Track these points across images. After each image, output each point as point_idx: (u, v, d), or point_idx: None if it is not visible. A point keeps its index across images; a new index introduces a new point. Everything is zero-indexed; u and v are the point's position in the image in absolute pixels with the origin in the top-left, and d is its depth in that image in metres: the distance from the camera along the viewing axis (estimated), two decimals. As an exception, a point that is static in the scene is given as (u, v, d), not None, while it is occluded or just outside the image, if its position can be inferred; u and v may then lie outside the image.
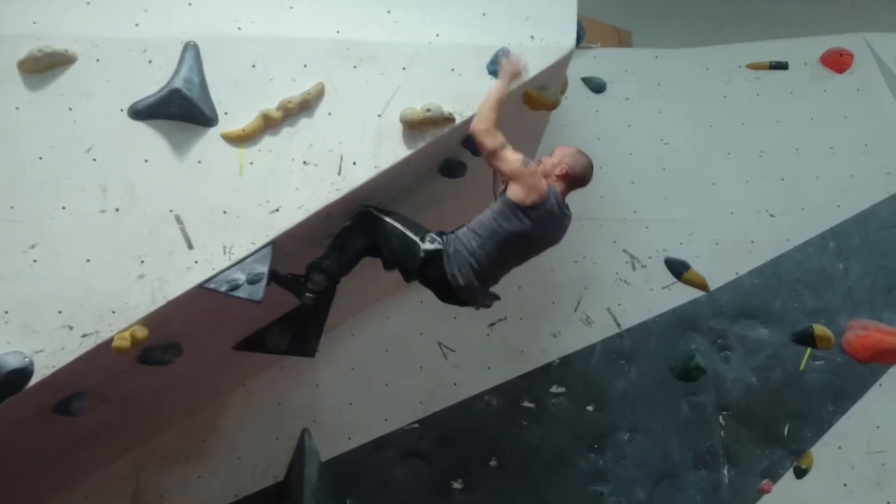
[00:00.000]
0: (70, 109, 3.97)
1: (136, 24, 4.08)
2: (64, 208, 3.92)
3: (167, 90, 3.94)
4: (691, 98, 6.63)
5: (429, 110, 4.03)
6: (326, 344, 5.79)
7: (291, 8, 4.19)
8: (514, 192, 3.96)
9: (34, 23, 4.01)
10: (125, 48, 4.03)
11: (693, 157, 6.50)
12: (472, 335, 6.10)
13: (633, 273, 6.28)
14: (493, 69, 4.15)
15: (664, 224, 6.36)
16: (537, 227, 4.04)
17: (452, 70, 4.16)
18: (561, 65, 4.28)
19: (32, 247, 3.87)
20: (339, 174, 4.05)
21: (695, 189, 6.43)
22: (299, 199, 4.01)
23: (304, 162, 4.05)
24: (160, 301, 3.89)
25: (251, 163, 4.02)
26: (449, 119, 4.09)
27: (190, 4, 4.14)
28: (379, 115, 4.11)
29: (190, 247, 3.94)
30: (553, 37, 4.21)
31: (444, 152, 4.38)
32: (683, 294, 6.26)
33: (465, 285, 4.07)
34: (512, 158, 3.92)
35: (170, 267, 3.92)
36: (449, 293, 4.24)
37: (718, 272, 6.25)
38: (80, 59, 4.00)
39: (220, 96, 4.06)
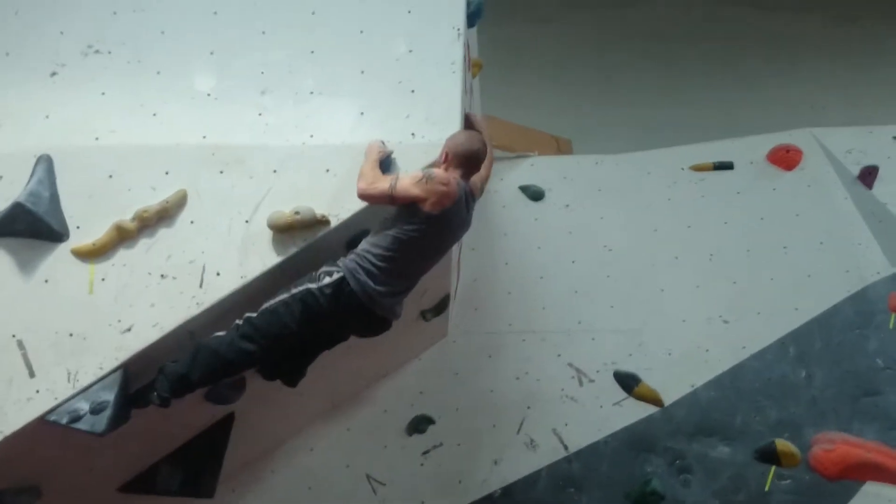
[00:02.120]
0: (-88, 230, 3.67)
1: (-12, 140, 3.83)
2: None
3: (10, 206, 3.65)
4: (634, 202, 6.34)
5: (297, 213, 3.72)
6: (242, 482, 5.31)
7: (155, 115, 3.96)
8: (429, 207, 3.63)
9: None
10: (-26, 165, 3.77)
11: (639, 263, 6.13)
12: (405, 465, 5.57)
13: (580, 389, 5.79)
14: (370, 168, 3.83)
15: (611, 335, 5.92)
16: (446, 229, 3.79)
17: (328, 171, 3.89)
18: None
19: None
20: (200, 287, 3.68)
21: (642, 296, 6.02)
22: (155, 317, 3.65)
23: (162, 275, 3.71)
24: (-3, 437, 3.46)
25: (102, 279, 3.69)
26: (322, 221, 3.77)
27: (47, 117, 3.92)
28: (247, 221, 3.79)
29: (31, 374, 3.57)
30: (434, 133, 3.94)
31: (326, 256, 4.01)
32: (636, 410, 5.72)
33: (384, 294, 3.71)
34: (414, 187, 3.60)
35: (9, 398, 3.56)
36: (368, 319, 3.80)
37: (672, 385, 5.74)
38: (-74, 177, 3.73)
39: (73, 210, 3.79)
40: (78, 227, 3.76)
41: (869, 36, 8.41)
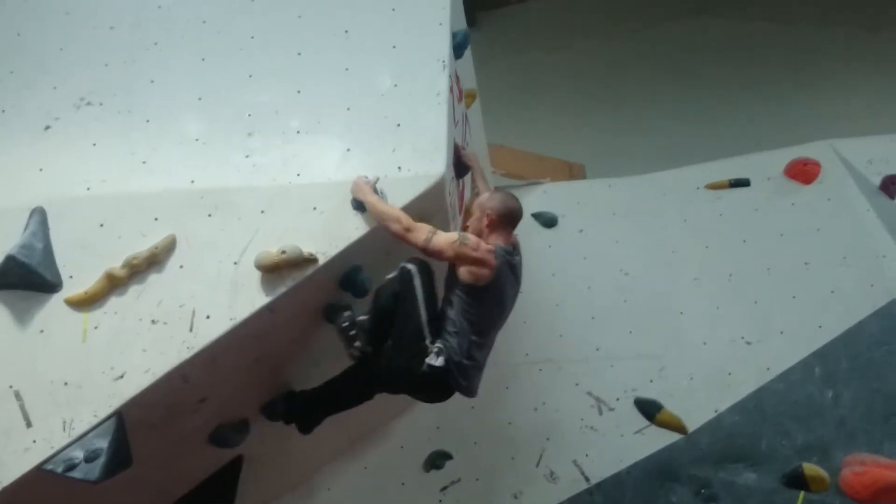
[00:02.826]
0: (-88, 288, 3.75)
1: (-15, 195, 3.92)
2: None
3: (3, 260, 3.71)
4: (650, 225, 6.25)
5: (284, 252, 3.71)
6: (258, 525, 5.27)
7: (144, 163, 4.01)
8: (465, 276, 3.70)
9: None
10: (-29, 220, 3.85)
11: (657, 286, 6.03)
12: (423, 502, 5.50)
13: (600, 418, 5.68)
14: (356, 205, 3.84)
15: (631, 361, 5.81)
16: (502, 295, 3.86)
17: (315, 209, 3.88)
18: (434, 193, 3.93)
19: None
20: (190, 331, 3.68)
21: (661, 320, 5.91)
22: (146, 362, 3.66)
23: (153, 321, 3.72)
24: (-5, 488, 3.49)
25: (95, 327, 3.71)
26: (310, 260, 3.76)
27: (41, 170, 4.00)
28: (235, 263, 3.79)
29: (28, 425, 3.60)
30: (421, 166, 3.91)
31: (319, 296, 4.01)
32: (658, 438, 5.59)
33: (469, 386, 3.85)
34: (447, 247, 3.65)
35: (7, 448, 3.58)
36: (444, 397, 3.90)
37: (695, 411, 5.60)
38: (-74, 235, 3.82)
39: (66, 259, 3.83)
40: (71, 277, 3.80)
41: (887, 45, 8.20)
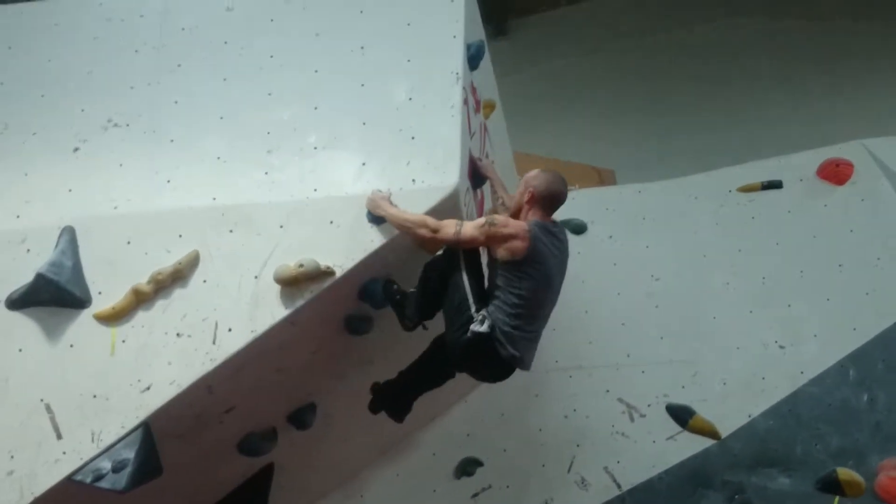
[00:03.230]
0: (-49, 306, 3.93)
1: (18, 216, 4.11)
2: (-60, 406, 3.80)
3: (33, 278, 3.86)
4: (681, 229, 6.20)
5: (301, 266, 3.81)
6: (294, 530, 5.36)
7: (168, 182, 4.15)
8: (502, 253, 3.72)
9: (-74, 229, 4.07)
10: (5, 240, 4.05)
11: (688, 291, 5.97)
12: (454, 510, 5.51)
13: (631, 424, 5.64)
14: (372, 218, 3.91)
15: (662, 367, 5.76)
16: (545, 267, 3.78)
17: (331, 223, 3.96)
18: (448, 204, 3.98)
19: None
20: (213, 343, 3.80)
21: (693, 325, 5.85)
22: (172, 375, 3.78)
23: (178, 334, 3.85)
24: (28, 497, 3.67)
25: (123, 341, 3.85)
26: (327, 273, 3.84)
27: (70, 191, 4.15)
28: (256, 277, 3.90)
29: (59, 437, 3.74)
30: (435, 178, 3.97)
31: (339, 308, 4.09)
32: (691, 444, 5.53)
33: (521, 357, 3.78)
34: (476, 232, 3.70)
35: (38, 460, 3.72)
36: (498, 369, 3.87)
37: (728, 416, 5.53)
38: (-36, 255, 4.01)
39: (95, 276, 3.98)
40: (100, 293, 3.94)
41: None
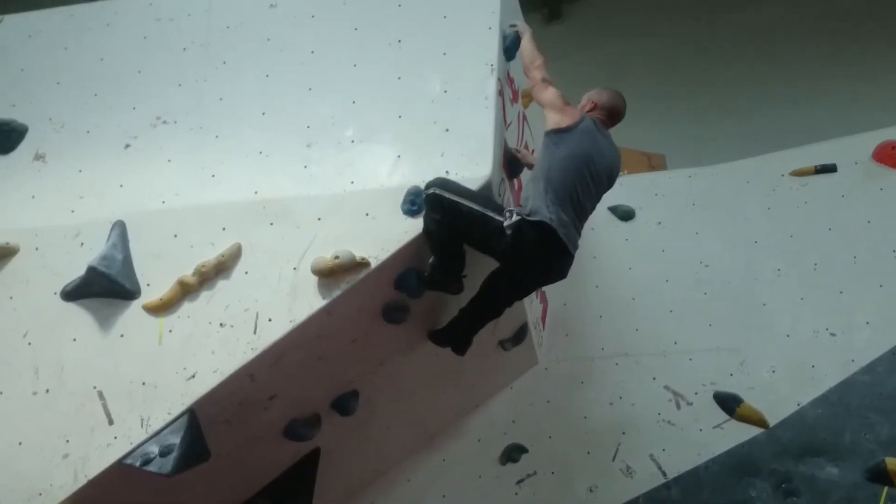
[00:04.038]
0: (11, 298, 4.19)
1: (72, 211, 4.31)
2: (1, 393, 4.04)
3: (86, 270, 4.05)
4: (731, 215, 6.13)
5: (337, 257, 3.90)
6: (346, 514, 5.51)
7: (213, 176, 4.29)
8: (551, 119, 4.02)
9: (-15, 222, 4.31)
10: (61, 235, 4.25)
11: (738, 277, 5.91)
12: (499, 495, 5.61)
13: (677, 412, 5.62)
14: (407, 209, 3.98)
15: (710, 354, 5.72)
16: (581, 144, 3.99)
17: (367, 215, 4.05)
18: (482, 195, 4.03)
19: (-27, 433, 3.97)
20: (254, 332, 3.93)
21: (743, 312, 5.80)
22: (215, 363, 3.92)
23: (221, 324, 3.99)
24: (82, 480, 3.85)
25: (170, 331, 4.01)
26: (362, 264, 3.93)
27: (121, 186, 4.33)
28: (294, 269, 4.02)
29: (110, 422, 3.93)
30: (468, 169, 4.02)
31: (377, 298, 4.18)
32: (738, 433, 5.49)
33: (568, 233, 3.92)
34: (551, 90, 4.06)
35: (92, 444, 3.91)
36: (549, 258, 3.99)
37: (777, 404, 5.48)
38: (22, 249, 4.25)
39: (144, 269, 4.14)
40: (148, 285, 4.11)
41: None
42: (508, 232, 3.79)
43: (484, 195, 3.93)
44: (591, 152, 4.04)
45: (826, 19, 8.15)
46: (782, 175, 6.12)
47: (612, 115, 4.27)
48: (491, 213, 3.85)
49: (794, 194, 6.03)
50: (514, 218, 3.82)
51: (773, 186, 6.11)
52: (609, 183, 4.28)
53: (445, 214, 3.83)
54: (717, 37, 8.41)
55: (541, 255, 3.95)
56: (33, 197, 4.38)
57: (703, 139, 7.49)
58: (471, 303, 4.28)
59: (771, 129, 7.24)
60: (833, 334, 5.51)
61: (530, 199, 3.93)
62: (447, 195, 3.82)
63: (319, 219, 4.09)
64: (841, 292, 5.60)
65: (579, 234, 4.08)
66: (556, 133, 3.99)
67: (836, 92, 7.69)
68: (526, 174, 4.47)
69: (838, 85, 7.75)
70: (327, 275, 3.93)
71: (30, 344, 4.10)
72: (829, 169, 6.00)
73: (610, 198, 6.25)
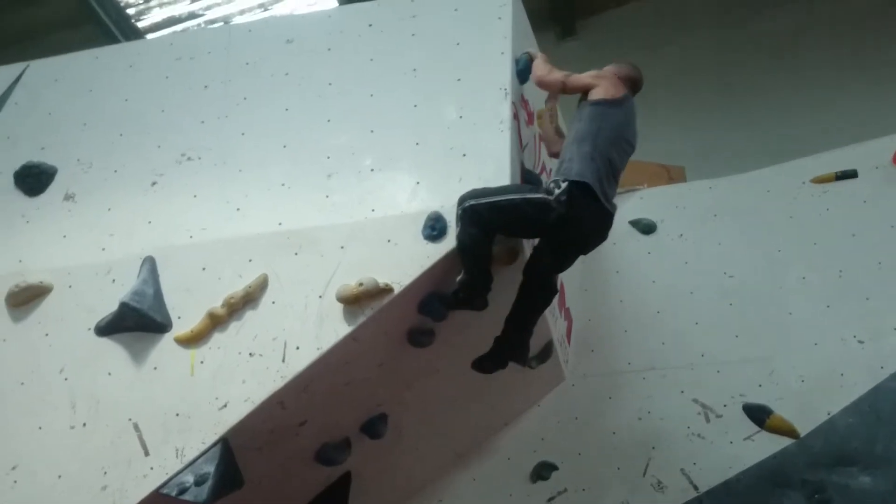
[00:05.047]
0: (46, 335, 4.31)
1: (103, 249, 4.44)
2: (40, 428, 4.16)
3: (118, 306, 4.16)
4: (753, 224, 6.11)
5: (361, 284, 3.98)
6: (377, 537, 5.55)
7: (238, 210, 4.39)
8: (600, 91, 4.19)
9: (20, 261, 4.46)
10: (92, 272, 4.38)
11: (763, 287, 5.87)
12: (531, 514, 5.60)
13: (707, 425, 5.59)
14: (427, 234, 4.06)
15: (738, 365, 5.68)
16: (627, 116, 4.26)
17: (389, 241, 4.13)
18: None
19: (13, 468, 4.11)
20: (283, 361, 4.02)
21: (769, 322, 5.75)
22: (246, 392, 4.01)
23: (250, 353, 4.08)
24: (120, 511, 3.93)
25: (201, 362, 4.11)
26: (386, 290, 4.01)
27: (149, 222, 4.45)
28: (320, 297, 4.10)
29: (146, 453, 4.02)
30: (486, 193, 4.07)
31: (401, 323, 4.26)
32: (769, 444, 5.44)
33: (600, 187, 4.02)
34: (584, 75, 4.27)
35: (129, 476, 4.00)
36: (597, 218, 4.09)
37: (807, 414, 5.42)
38: (56, 287, 4.39)
39: (174, 302, 4.25)
40: (179, 318, 4.21)
41: None
42: (563, 199, 3.88)
43: (510, 186, 4.03)
44: (631, 123, 4.31)
45: (842, 25, 8.14)
46: (803, 182, 6.10)
47: (636, 86, 4.47)
48: (530, 195, 3.97)
49: (816, 201, 6.01)
50: (563, 185, 3.91)
51: (794, 194, 6.09)
52: (631, 151, 4.45)
53: (486, 220, 3.89)
54: (733, 46, 8.43)
55: (591, 215, 4.05)
56: (64, 236, 4.52)
57: (721, 149, 7.49)
58: (515, 303, 4.26)
59: (790, 136, 7.24)
60: (861, 341, 5.47)
61: (574, 161, 4.01)
62: (482, 201, 3.90)
63: (342, 247, 4.17)
64: (867, 298, 5.57)
65: (615, 195, 4.24)
66: (608, 103, 4.16)
67: (854, 97, 7.66)
68: None
69: (856, 90, 7.72)
70: (352, 302, 4.01)
71: (66, 379, 4.21)
72: (849, 175, 5.98)
73: (631, 211, 6.37)
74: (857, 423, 5.30)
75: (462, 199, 3.95)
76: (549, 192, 3.93)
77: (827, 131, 7.09)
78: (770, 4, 8.46)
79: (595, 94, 4.17)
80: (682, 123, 7.96)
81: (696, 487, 5.47)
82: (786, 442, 5.42)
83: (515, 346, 4.32)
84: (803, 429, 5.41)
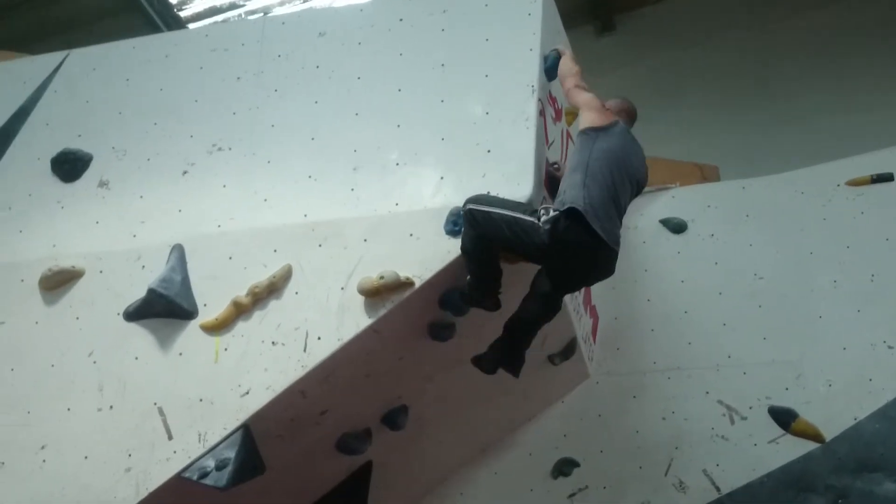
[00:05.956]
0: (77, 319, 4.43)
1: (134, 236, 4.53)
2: (69, 409, 4.27)
3: (147, 292, 4.25)
4: (786, 226, 6.04)
5: (382, 277, 4.03)
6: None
7: (265, 200, 4.46)
8: (587, 118, 4.13)
9: (54, 246, 4.57)
10: (123, 258, 4.48)
11: (793, 289, 5.82)
12: (551, 509, 5.62)
13: (731, 427, 5.56)
14: (450, 229, 4.08)
15: (765, 368, 5.64)
16: (618, 144, 4.11)
17: (411, 235, 4.17)
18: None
19: (42, 447, 4.23)
20: (304, 351, 4.08)
21: (798, 325, 5.70)
22: (268, 380, 4.08)
23: (273, 342, 4.14)
24: (143, 493, 4.05)
25: (225, 349, 4.19)
26: (407, 283, 4.05)
27: (180, 211, 4.54)
28: (342, 288, 4.15)
29: (170, 437, 4.11)
30: (510, 189, 4.10)
31: (422, 316, 4.29)
32: (794, 448, 5.41)
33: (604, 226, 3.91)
34: (585, 93, 4.21)
35: (153, 458, 4.09)
36: (589, 249, 3.94)
37: (833, 419, 5.38)
38: (87, 272, 4.49)
39: (201, 290, 4.33)
40: (205, 305, 4.29)
41: None
42: (546, 227, 3.82)
43: (515, 201, 4.00)
44: (627, 152, 4.16)
45: (881, 26, 7.99)
46: (838, 185, 6.02)
47: (631, 116, 4.43)
48: (521, 215, 3.90)
49: (850, 204, 5.93)
50: (551, 213, 3.86)
51: (828, 196, 6.01)
52: (637, 191, 4.31)
53: (480, 227, 3.91)
54: (771, 45, 8.31)
55: (579, 245, 3.91)
56: (97, 222, 4.62)
57: (756, 149, 7.40)
58: (515, 314, 4.28)
59: (826, 137, 7.12)
60: (891, 347, 5.41)
61: (567, 190, 3.93)
62: (479, 208, 3.92)
63: (366, 240, 4.22)
64: (899, 304, 5.48)
65: (618, 227, 4.06)
66: (594, 130, 4.08)
67: (892, 100, 7.51)
68: None
69: (894, 92, 7.57)
70: (373, 294, 4.05)
71: (95, 362, 4.32)
72: (885, 178, 5.89)
73: (661, 210, 6.33)
74: (883, 429, 5.25)
75: (466, 201, 3.98)
76: (538, 218, 3.87)
77: (863, 134, 6.96)
78: (811, 5, 8.33)
79: (582, 124, 4.14)
80: (717, 122, 7.87)
81: (718, 489, 5.45)
82: (811, 446, 5.39)
83: (507, 354, 4.30)
84: (829, 433, 5.37)
